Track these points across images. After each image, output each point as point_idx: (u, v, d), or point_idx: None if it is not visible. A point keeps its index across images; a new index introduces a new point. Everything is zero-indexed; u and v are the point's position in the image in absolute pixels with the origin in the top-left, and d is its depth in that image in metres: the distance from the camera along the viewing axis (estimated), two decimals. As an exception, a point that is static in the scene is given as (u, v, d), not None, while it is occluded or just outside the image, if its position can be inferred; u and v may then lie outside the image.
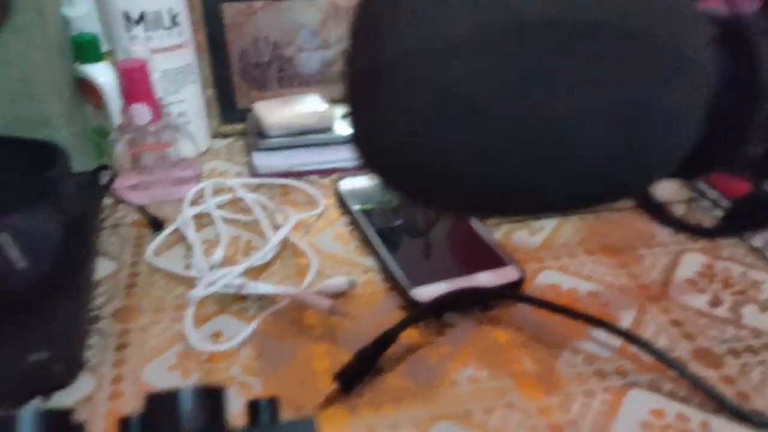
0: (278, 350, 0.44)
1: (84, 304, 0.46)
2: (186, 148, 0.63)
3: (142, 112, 0.56)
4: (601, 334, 0.45)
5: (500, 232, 0.57)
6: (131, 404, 0.40)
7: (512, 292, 0.47)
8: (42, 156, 0.50)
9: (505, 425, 0.38)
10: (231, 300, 0.48)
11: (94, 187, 0.58)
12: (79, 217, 0.50)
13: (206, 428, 0.24)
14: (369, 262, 0.53)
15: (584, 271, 0.52)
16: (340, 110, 0.71)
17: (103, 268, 0.52)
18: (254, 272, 0.51)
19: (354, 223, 0.57)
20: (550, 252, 0.54)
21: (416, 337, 0.45)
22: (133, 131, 0.58)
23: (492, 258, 0.51)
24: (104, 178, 0.61)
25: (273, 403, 0.27)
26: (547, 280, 0.51)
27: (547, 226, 0.58)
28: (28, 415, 0.23)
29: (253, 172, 0.65)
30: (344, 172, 0.66)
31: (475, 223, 0.55)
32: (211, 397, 0.25)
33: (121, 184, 0.60)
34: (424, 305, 0.45)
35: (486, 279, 0.49)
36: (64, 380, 0.40)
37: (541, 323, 0.46)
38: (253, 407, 0.27)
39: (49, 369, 0.39)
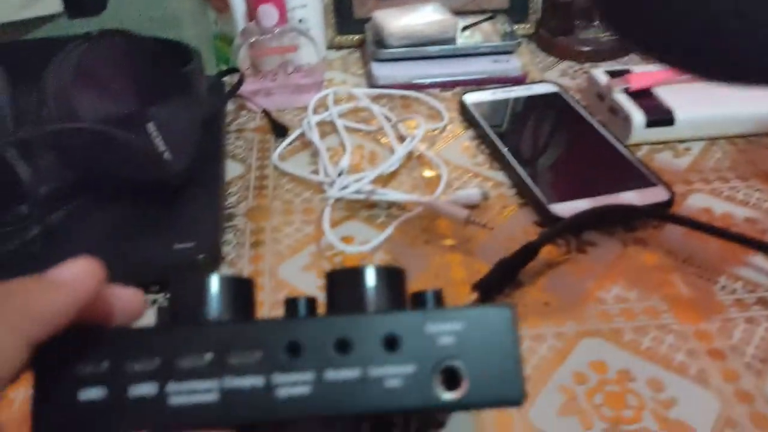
0: (412, 258, 0.43)
1: (220, 201, 0.46)
2: (308, 55, 0.61)
3: (269, 14, 0.55)
4: (761, 261, 0.41)
5: (641, 153, 0.53)
6: (270, 298, 0.40)
7: (664, 212, 0.43)
8: (176, 55, 0.50)
9: (659, 346, 0.36)
10: (359, 207, 0.47)
11: (221, 90, 0.57)
12: (210, 118, 0.50)
13: (390, 304, 0.23)
14: (500, 176, 0.50)
15: (739, 196, 0.48)
16: (462, 21, 0.67)
17: (231, 169, 0.52)
18: (380, 182, 0.50)
19: (482, 136, 0.54)
20: (699, 175, 0.50)
21: (555, 254, 0.43)
22: (259, 34, 0.57)
23: (637, 177, 0.47)
24: (229, 82, 0.61)
25: (438, 294, 0.26)
26: (697, 203, 0.47)
27: (694, 148, 0.53)
28: (215, 278, 0.23)
29: (372, 83, 0.63)
30: (467, 85, 0.63)
31: (617, 142, 0.51)
32: (394, 276, 0.24)
33: (243, 89, 0.59)
34: (565, 221, 0.43)
35: (631, 198, 0.45)
36: (205, 269, 0.41)
37: (693, 247, 0.43)
38: (418, 297, 0.26)
39: (194, 258, 0.40)
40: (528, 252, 0.40)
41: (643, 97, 0.54)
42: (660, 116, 0.53)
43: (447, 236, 0.45)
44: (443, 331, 0.21)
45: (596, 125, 0.54)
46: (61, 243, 0.41)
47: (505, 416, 0.33)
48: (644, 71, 0.57)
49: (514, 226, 0.45)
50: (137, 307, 0.23)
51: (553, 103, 0.58)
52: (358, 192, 0.46)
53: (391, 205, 0.47)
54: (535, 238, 0.42)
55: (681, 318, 0.38)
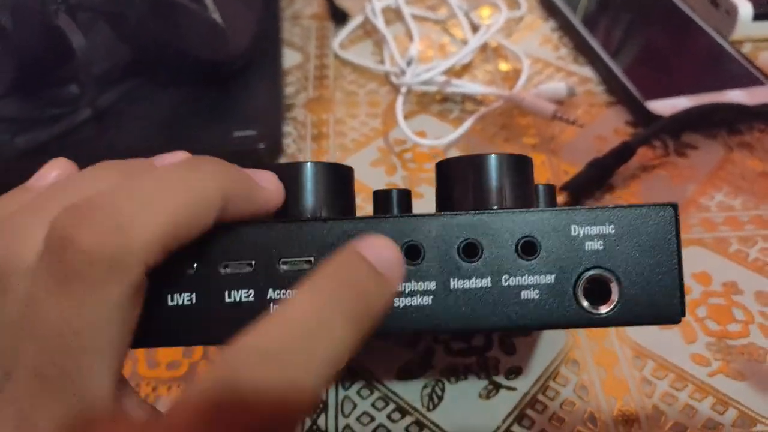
0: (489, 155, 0.39)
1: (280, 89, 0.43)
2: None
3: None
4: None
5: (745, 51, 0.47)
6: (337, 194, 0.37)
7: (780, 112, 0.39)
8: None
9: (767, 257, 0.33)
10: (430, 100, 0.43)
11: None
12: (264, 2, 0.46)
13: (516, 191, 0.20)
14: (586, 71, 0.45)
15: None
16: None
17: (288, 58, 0.48)
18: (452, 74, 0.46)
19: (565, 27, 0.49)
20: (813, 75, 0.45)
21: (651, 157, 0.39)
22: None
23: (743, 74, 0.42)
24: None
25: (551, 190, 0.23)
26: (812, 106, 0.42)
27: (807, 45, 0.47)
28: (312, 166, 0.20)
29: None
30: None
31: (719, 36, 0.45)
32: (524, 167, 0.21)
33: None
34: (664, 119, 0.38)
35: (737, 97, 0.40)
36: (266, 159, 0.38)
37: (808, 154, 0.38)
38: (535, 191, 0.22)
39: (254, 146, 0.37)
40: (623, 152, 0.36)
41: (750, -14, 0.48)
42: (771, 8, 0.47)
43: (529, 134, 0.41)
44: (591, 234, 0.18)
45: (694, 17, 0.48)
46: (113, 127, 0.38)
47: (600, 328, 0.30)
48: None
49: (604, 125, 0.41)
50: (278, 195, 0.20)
51: (645, -9, 0.51)
52: (431, 83, 0.42)
53: (465, 99, 0.43)
54: (628, 138, 0.38)
55: (795, 229, 0.34)
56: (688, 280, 0.32)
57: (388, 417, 0.27)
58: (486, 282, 0.18)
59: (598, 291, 0.18)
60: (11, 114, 0.37)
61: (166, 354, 0.30)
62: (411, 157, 0.40)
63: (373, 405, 0.28)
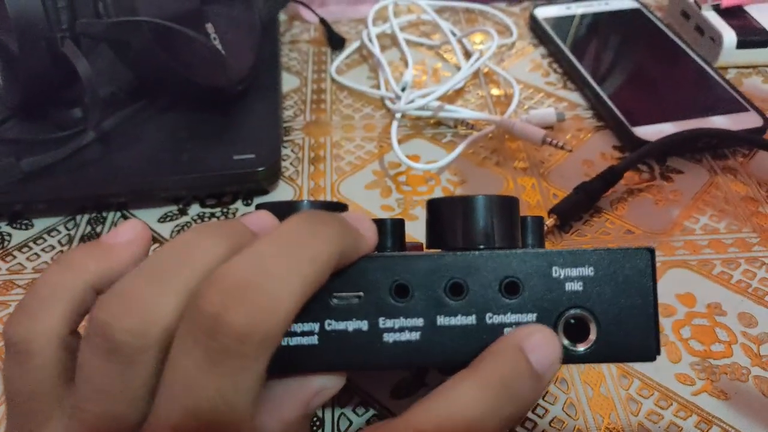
0: (481, 180, 0.41)
1: (279, 113, 0.44)
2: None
3: None
4: None
5: (729, 77, 0.49)
6: (333, 216, 0.38)
7: (762, 139, 0.40)
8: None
9: (751, 280, 0.34)
10: (424, 125, 0.45)
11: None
12: (266, 24, 0.47)
13: (503, 231, 0.21)
14: (575, 96, 0.47)
15: (839, 126, 0.44)
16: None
17: (286, 82, 0.50)
18: (445, 98, 0.47)
19: (555, 54, 0.50)
20: (794, 102, 0.46)
21: (637, 181, 0.40)
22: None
23: (728, 101, 0.43)
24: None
25: (539, 222, 0.24)
26: (792, 132, 0.43)
27: (788, 73, 0.49)
28: (308, 203, 0.21)
29: (432, -4, 0.59)
30: None
31: (704, 63, 0.47)
32: (509, 207, 0.22)
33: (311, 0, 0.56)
34: (651, 144, 0.39)
35: (721, 123, 0.42)
36: (265, 182, 0.39)
37: (789, 178, 0.40)
38: (523, 223, 0.23)
39: (253, 168, 0.38)
40: (610, 177, 0.38)
41: (734, 15, 0.50)
42: (753, 36, 0.48)
43: (519, 158, 0.42)
44: (571, 276, 0.19)
45: (681, 44, 0.49)
46: (116, 150, 0.39)
47: (587, 345, 0.31)
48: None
49: (592, 150, 0.42)
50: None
51: (633, 20, 0.53)
52: (425, 108, 0.43)
53: (457, 123, 0.44)
54: (614, 162, 0.39)
55: (776, 252, 0.35)
56: (673, 301, 0.33)
57: (382, 434, 0.28)
58: (471, 319, 0.19)
59: (576, 329, 0.19)
60: (17, 136, 0.38)
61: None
62: (405, 180, 0.41)
63: (368, 422, 0.28)
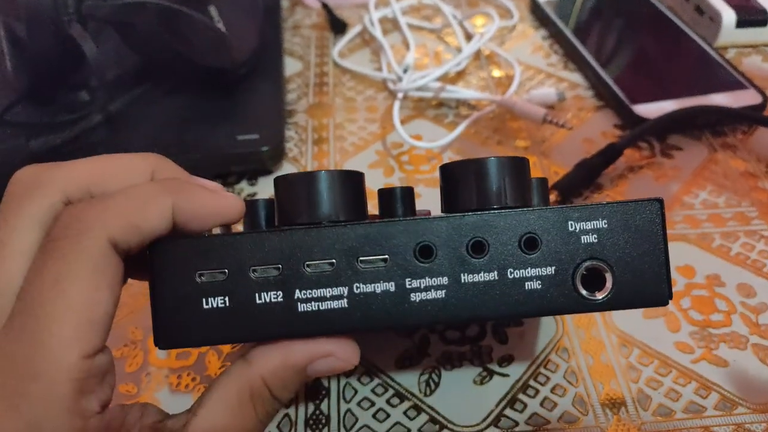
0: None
1: (282, 94, 0.44)
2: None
3: None
4: None
5: (728, 57, 0.49)
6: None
7: (761, 115, 0.40)
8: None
9: (749, 252, 0.34)
10: (426, 105, 0.45)
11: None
12: (268, 8, 0.47)
13: (516, 190, 0.21)
14: (576, 77, 0.47)
15: (838, 102, 0.44)
16: None
17: (289, 66, 0.50)
18: (445, 81, 0.47)
19: (556, 35, 0.51)
20: (793, 80, 0.46)
21: (637, 158, 0.40)
22: None
23: (727, 79, 0.44)
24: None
25: (543, 183, 0.24)
26: (791, 109, 0.44)
27: (788, 51, 0.49)
28: (326, 173, 0.21)
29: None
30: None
31: (704, 42, 0.47)
32: (521, 168, 0.22)
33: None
34: (651, 122, 0.40)
35: (720, 100, 0.42)
36: (269, 162, 0.40)
37: (788, 154, 0.40)
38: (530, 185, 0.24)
39: (257, 149, 0.39)
40: (610, 153, 0.38)
41: (734, -6, 0.50)
42: (752, 16, 0.48)
43: (521, 137, 0.42)
44: (586, 229, 0.19)
45: (681, 24, 0.49)
46: (123, 131, 0.40)
47: (587, 318, 0.32)
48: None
49: (593, 129, 0.43)
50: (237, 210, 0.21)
51: (633, 0, 0.53)
52: (426, 89, 0.44)
53: (459, 104, 0.45)
54: (615, 140, 0.39)
55: (775, 225, 0.36)
56: (673, 273, 0.33)
57: (388, 402, 0.29)
58: (493, 276, 0.19)
59: (593, 279, 0.20)
60: (25, 119, 0.39)
61: (175, 345, 0.31)
62: (407, 160, 0.41)
63: (373, 391, 0.29)
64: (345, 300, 0.19)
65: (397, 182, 0.40)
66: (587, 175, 0.38)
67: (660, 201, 0.20)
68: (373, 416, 0.28)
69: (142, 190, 0.19)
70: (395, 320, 0.19)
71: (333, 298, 0.19)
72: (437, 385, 0.29)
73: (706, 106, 0.40)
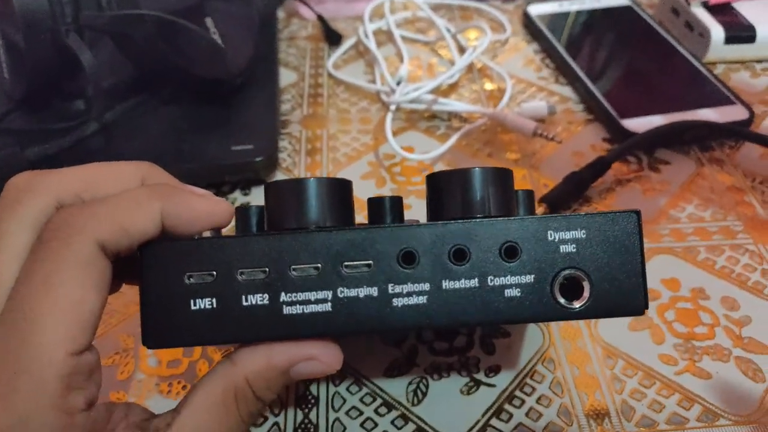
0: (473, 169, 0.42)
1: (276, 105, 0.45)
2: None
3: None
4: None
5: (717, 72, 0.50)
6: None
7: (747, 130, 0.41)
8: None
9: (734, 266, 0.35)
10: (418, 117, 0.46)
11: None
12: (265, 20, 0.48)
13: (499, 200, 0.22)
14: (566, 91, 0.48)
15: (824, 119, 0.45)
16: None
17: (284, 77, 0.51)
18: (438, 94, 0.48)
19: (547, 50, 0.52)
20: (780, 96, 0.47)
21: (625, 171, 0.41)
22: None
23: (714, 94, 0.45)
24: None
25: (530, 195, 0.25)
26: (777, 124, 0.44)
27: (775, 68, 0.50)
28: (314, 180, 0.22)
29: (428, -7, 0.60)
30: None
31: (693, 58, 0.48)
32: (505, 178, 0.23)
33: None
34: (639, 136, 0.40)
35: (708, 115, 0.43)
36: (263, 172, 0.40)
37: (773, 169, 0.41)
38: (516, 196, 0.24)
39: (251, 159, 0.39)
40: (599, 167, 0.39)
41: (722, 11, 0.51)
42: (741, 32, 0.49)
43: (511, 149, 0.43)
44: (565, 239, 0.20)
45: (670, 40, 0.50)
46: (118, 140, 0.40)
47: (573, 330, 0.32)
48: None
49: (582, 142, 0.43)
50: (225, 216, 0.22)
51: (624, 16, 0.54)
52: (419, 101, 0.44)
53: (451, 116, 0.45)
54: (603, 153, 0.40)
55: (756, 238, 0.36)
56: (658, 286, 0.34)
57: (376, 411, 0.29)
58: (474, 282, 0.20)
59: (572, 288, 0.20)
60: (22, 127, 0.39)
61: (167, 352, 0.31)
62: (399, 171, 0.42)
63: (361, 400, 0.29)
64: (329, 304, 0.20)
65: (389, 193, 0.40)
66: (576, 188, 0.38)
67: (637, 212, 0.20)
68: (361, 425, 0.28)
69: (131, 194, 0.19)
70: (377, 324, 0.20)
71: (317, 301, 0.20)
72: (425, 394, 0.30)
73: (694, 121, 0.41)
